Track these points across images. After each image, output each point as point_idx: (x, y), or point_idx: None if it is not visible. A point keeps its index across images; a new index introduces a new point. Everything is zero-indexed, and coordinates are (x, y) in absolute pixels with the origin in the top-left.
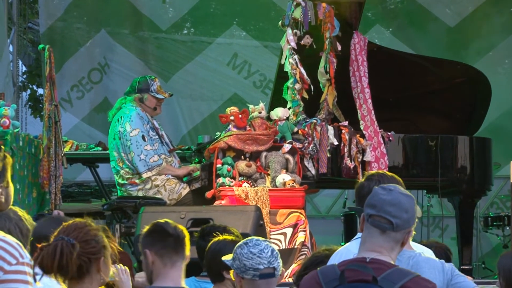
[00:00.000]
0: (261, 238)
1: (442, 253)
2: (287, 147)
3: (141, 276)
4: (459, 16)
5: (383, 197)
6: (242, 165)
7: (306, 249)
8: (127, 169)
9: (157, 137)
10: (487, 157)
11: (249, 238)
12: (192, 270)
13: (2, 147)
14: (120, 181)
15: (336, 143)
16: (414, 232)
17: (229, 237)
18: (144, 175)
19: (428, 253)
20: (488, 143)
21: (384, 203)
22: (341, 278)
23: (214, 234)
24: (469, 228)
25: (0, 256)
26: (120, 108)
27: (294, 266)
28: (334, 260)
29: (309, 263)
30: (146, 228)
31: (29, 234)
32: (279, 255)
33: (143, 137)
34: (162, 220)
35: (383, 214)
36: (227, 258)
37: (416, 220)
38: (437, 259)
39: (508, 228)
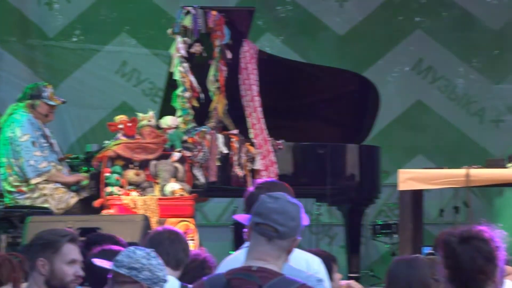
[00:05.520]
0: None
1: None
2: (176, 155)
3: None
4: (349, 24)
5: (270, 205)
6: (130, 173)
7: None
8: (16, 176)
9: (47, 144)
10: (376, 165)
11: (139, 247)
12: None
13: None
14: (8, 188)
15: (225, 151)
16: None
17: None
18: (33, 181)
19: (316, 261)
20: (377, 151)
21: (270, 211)
22: (228, 287)
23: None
24: (358, 236)
25: None
26: (12, 114)
27: None
28: (223, 268)
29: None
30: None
31: None
32: None
33: (33, 143)
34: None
35: (270, 222)
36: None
37: None
38: (318, 274)
39: (396, 236)
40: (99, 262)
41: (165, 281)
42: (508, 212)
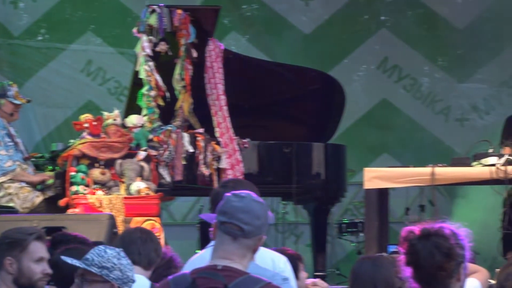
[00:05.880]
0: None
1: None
2: (142, 154)
3: None
4: (314, 23)
5: (235, 204)
6: (96, 172)
7: None
8: None
9: (12, 143)
10: (342, 163)
11: (109, 247)
12: None
13: None
14: None
15: (191, 150)
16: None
17: None
18: None
19: (282, 260)
20: (343, 150)
21: (235, 210)
22: (193, 286)
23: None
24: (324, 235)
25: None
26: None
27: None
28: (189, 267)
29: None
30: None
31: None
32: None
33: None
34: None
35: (235, 221)
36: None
37: None
38: (284, 273)
39: (362, 234)
40: (68, 259)
41: (133, 281)
42: (471, 208)
